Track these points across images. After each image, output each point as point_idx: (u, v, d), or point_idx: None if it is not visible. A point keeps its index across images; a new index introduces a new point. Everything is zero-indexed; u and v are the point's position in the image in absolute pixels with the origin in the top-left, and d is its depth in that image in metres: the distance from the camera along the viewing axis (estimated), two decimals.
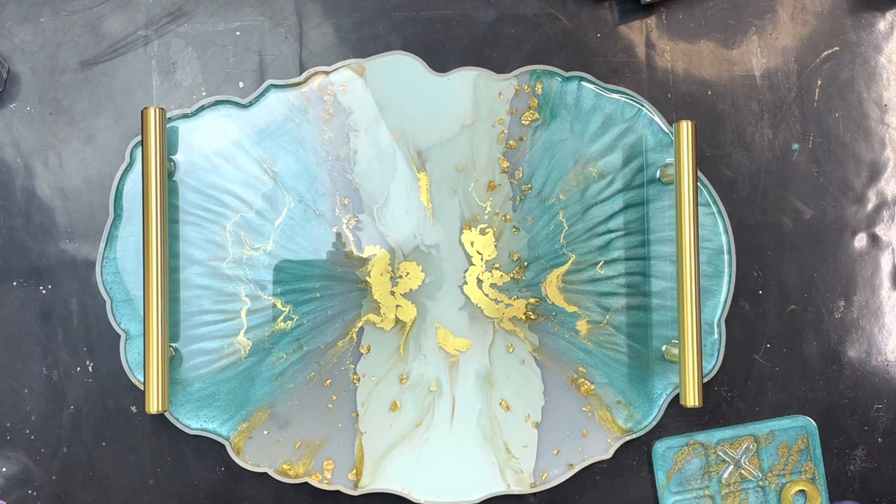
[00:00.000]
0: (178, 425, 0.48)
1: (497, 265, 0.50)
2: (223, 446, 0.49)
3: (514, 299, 0.50)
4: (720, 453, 0.50)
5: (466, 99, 0.49)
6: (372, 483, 0.49)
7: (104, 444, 0.49)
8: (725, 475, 0.50)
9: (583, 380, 0.50)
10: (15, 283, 0.48)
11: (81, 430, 0.49)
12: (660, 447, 0.50)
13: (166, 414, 0.48)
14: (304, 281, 0.49)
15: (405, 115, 0.49)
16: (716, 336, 0.50)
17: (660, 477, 0.50)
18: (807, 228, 0.52)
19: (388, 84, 0.49)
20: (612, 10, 0.51)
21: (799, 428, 0.51)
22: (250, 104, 0.48)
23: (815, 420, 0.52)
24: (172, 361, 0.47)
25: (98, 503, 0.49)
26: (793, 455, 0.50)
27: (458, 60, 0.50)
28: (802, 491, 0.50)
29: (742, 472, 0.50)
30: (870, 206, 0.52)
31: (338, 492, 0.49)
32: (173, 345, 0.48)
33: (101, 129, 0.49)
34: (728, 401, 0.51)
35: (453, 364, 0.49)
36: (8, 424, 0.48)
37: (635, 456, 0.51)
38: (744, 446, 0.50)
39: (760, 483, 0.50)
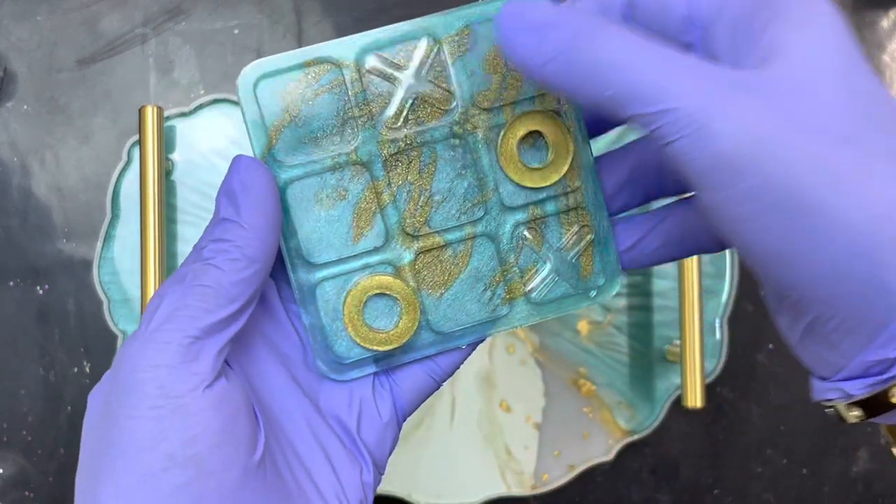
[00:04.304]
0: None
1: None
2: None
3: None
4: (371, 75, 0.28)
5: None
6: None
7: None
8: (389, 114, 0.28)
9: (584, 380, 0.49)
10: (11, 284, 0.48)
11: (79, 431, 0.48)
12: (250, 78, 0.28)
13: None
14: None
15: None
16: (718, 336, 0.49)
17: (257, 142, 0.28)
18: None
19: None
20: None
21: None
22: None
23: (816, 416, 0.51)
24: None
25: None
26: (515, 71, 0.28)
27: None
28: (536, 133, 0.28)
29: (419, 115, 0.28)
30: None
31: None
32: None
33: (98, 127, 0.49)
34: (730, 402, 0.51)
35: None
36: (4, 425, 0.48)
37: (637, 458, 0.51)
38: (417, 57, 0.28)
39: (457, 128, 0.28)
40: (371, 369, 0.29)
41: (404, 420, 0.30)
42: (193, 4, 0.49)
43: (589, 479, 0.50)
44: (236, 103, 0.48)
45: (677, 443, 0.51)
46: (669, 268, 0.49)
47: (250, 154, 0.27)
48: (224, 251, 0.25)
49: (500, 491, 0.49)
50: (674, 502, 0.51)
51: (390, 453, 0.30)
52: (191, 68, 0.49)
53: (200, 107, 0.48)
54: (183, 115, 0.48)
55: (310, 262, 0.28)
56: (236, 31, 0.49)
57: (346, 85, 0.28)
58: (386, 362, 0.29)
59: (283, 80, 0.28)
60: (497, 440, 0.49)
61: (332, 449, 0.28)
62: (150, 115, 0.44)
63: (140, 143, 0.44)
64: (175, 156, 0.48)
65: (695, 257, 0.46)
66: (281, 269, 0.29)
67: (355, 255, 0.28)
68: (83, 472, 0.25)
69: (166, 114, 0.47)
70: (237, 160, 0.26)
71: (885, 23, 0.53)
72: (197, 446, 0.23)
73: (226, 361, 0.27)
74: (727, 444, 0.51)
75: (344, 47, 0.28)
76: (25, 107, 0.48)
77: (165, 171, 0.47)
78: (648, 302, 0.49)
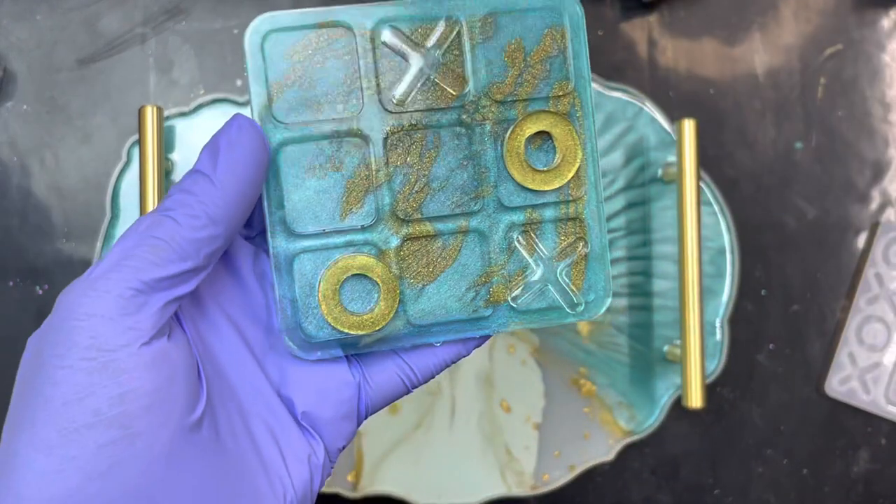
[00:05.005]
0: None
1: None
2: None
3: None
4: (385, 48, 0.27)
5: None
6: (371, 485, 0.48)
7: None
8: (398, 91, 0.27)
9: (584, 381, 0.49)
10: (11, 284, 0.48)
11: None
12: (259, 31, 0.27)
13: None
14: None
15: None
16: (718, 337, 0.49)
17: (256, 98, 0.27)
18: (810, 228, 0.51)
19: None
20: (614, 8, 0.51)
21: (549, 11, 0.28)
22: (248, 102, 0.48)
23: (817, 416, 0.51)
24: None
25: None
26: (534, 65, 0.28)
27: None
28: (546, 135, 0.28)
29: (428, 97, 0.27)
30: (873, 206, 0.52)
31: (336, 494, 0.49)
32: None
33: (97, 127, 0.48)
34: (731, 402, 0.51)
35: (453, 365, 0.49)
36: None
37: (637, 458, 0.51)
38: (435, 37, 0.27)
39: (465, 117, 0.28)
40: (337, 352, 0.28)
41: (366, 417, 0.28)
42: (193, 4, 0.49)
43: (589, 480, 0.50)
44: (237, 103, 0.48)
45: (677, 443, 0.51)
46: (669, 268, 0.49)
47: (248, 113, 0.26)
48: (186, 205, 0.24)
49: (501, 491, 0.49)
50: (674, 502, 0.51)
51: (344, 446, 0.28)
52: (191, 68, 0.49)
53: (200, 106, 0.48)
54: (183, 114, 0.47)
55: (292, 231, 0.27)
56: (236, 31, 0.49)
57: (357, 53, 0.27)
58: (354, 348, 0.28)
59: (292, 37, 0.26)
60: (497, 440, 0.49)
61: (282, 425, 0.27)
62: (150, 114, 0.44)
63: (140, 142, 0.44)
64: (175, 156, 0.48)
65: (695, 257, 0.46)
66: (262, 234, 0.28)
67: (340, 231, 0.27)
68: (7, 421, 0.23)
69: (166, 114, 0.47)
70: (234, 118, 0.25)
71: (886, 23, 0.52)
72: (125, 405, 0.22)
73: (178, 319, 0.25)
74: (727, 445, 0.51)
75: (362, 14, 0.27)
76: (25, 107, 0.48)
77: (165, 171, 0.47)
78: (648, 302, 0.49)
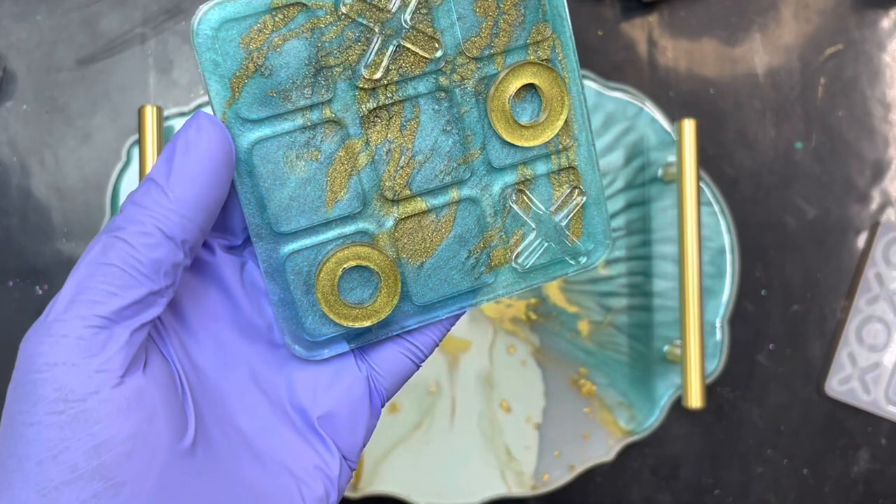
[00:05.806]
0: None
1: None
2: None
3: (515, 300, 0.49)
4: (347, 18, 0.25)
5: None
6: (371, 485, 0.48)
7: None
8: (368, 63, 0.25)
9: (584, 381, 0.49)
10: (11, 284, 0.48)
11: None
12: (207, 23, 0.24)
13: None
14: None
15: None
16: (718, 337, 0.49)
17: (216, 97, 0.24)
18: (810, 228, 0.51)
19: None
20: (614, 8, 0.51)
21: None
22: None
23: (817, 416, 0.51)
24: None
25: None
26: (508, 10, 0.26)
27: None
28: (531, 87, 0.26)
29: (401, 64, 0.25)
30: (873, 206, 0.52)
31: None
32: None
33: (97, 127, 0.48)
34: (731, 402, 0.51)
35: (453, 365, 0.49)
36: None
37: (637, 458, 0.51)
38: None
39: (443, 80, 0.26)
40: (343, 347, 0.26)
41: (382, 407, 0.27)
42: (193, 4, 0.49)
43: (589, 480, 0.50)
44: None
45: (677, 443, 0.51)
46: (669, 268, 0.49)
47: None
48: (137, 221, 0.22)
49: (501, 491, 0.49)
50: (674, 502, 0.51)
51: (364, 444, 0.27)
52: (190, 68, 0.49)
53: (200, 106, 0.48)
54: (182, 114, 0.47)
55: (278, 232, 0.25)
56: None
57: (319, 29, 0.24)
58: (360, 339, 0.27)
59: (246, 24, 0.24)
60: (497, 440, 0.49)
61: (288, 440, 0.25)
62: (150, 114, 0.44)
63: (139, 142, 0.44)
64: None
65: (695, 257, 0.46)
66: (248, 241, 0.26)
67: (329, 223, 0.26)
68: None
69: (166, 113, 0.47)
70: (195, 116, 0.23)
71: (885, 23, 0.52)
72: (103, 456, 0.20)
73: (163, 338, 0.24)
74: (727, 445, 0.51)
75: None
76: (25, 106, 0.48)
77: None
78: (648, 302, 0.49)
